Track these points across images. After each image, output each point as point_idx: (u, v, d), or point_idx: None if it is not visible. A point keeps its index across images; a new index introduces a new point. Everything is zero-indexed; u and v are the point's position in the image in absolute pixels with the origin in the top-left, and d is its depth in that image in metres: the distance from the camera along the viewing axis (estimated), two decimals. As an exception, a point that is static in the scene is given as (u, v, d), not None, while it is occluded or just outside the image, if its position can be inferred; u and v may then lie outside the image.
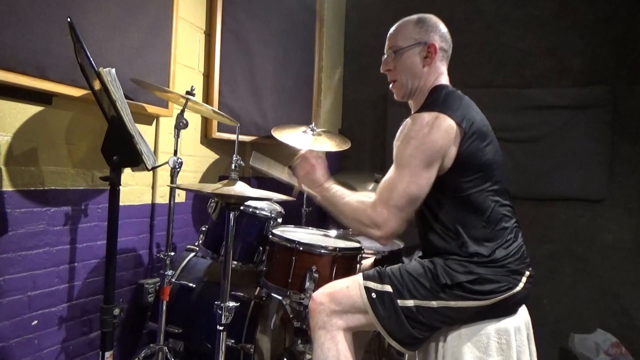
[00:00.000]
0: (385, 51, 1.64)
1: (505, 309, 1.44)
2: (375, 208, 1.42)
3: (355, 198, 1.50)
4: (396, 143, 1.47)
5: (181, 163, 1.97)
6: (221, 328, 1.56)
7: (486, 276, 1.38)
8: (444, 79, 1.60)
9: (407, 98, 1.65)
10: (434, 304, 1.40)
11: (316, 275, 1.71)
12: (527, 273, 1.44)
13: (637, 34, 3.10)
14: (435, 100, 1.49)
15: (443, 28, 1.60)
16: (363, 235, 1.63)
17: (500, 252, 1.41)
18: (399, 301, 1.42)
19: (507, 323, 1.43)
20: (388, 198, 1.40)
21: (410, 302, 1.41)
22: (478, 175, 1.44)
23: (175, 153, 2.01)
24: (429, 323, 1.42)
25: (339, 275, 1.70)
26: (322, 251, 1.76)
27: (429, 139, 1.39)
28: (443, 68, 1.60)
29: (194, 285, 2.17)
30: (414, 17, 1.61)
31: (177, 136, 2.03)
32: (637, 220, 3.08)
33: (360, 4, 3.71)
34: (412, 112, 1.64)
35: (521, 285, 1.41)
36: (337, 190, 1.56)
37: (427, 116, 1.42)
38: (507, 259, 1.41)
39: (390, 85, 1.66)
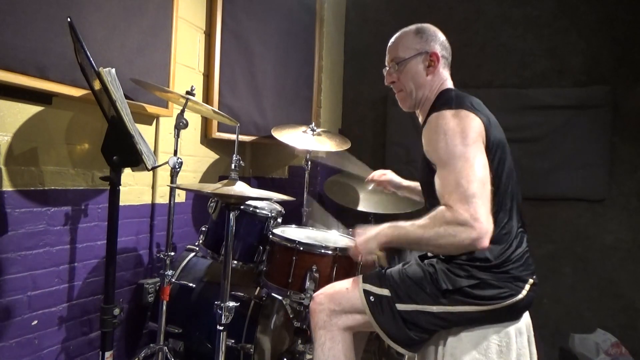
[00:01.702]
0: (386, 64, 1.65)
1: (507, 316, 1.41)
2: (454, 208, 1.25)
3: (424, 218, 1.34)
4: (429, 147, 1.41)
5: (181, 163, 1.97)
6: (221, 328, 1.56)
7: (488, 281, 1.36)
8: (449, 84, 1.60)
9: (415, 108, 1.64)
10: (434, 309, 1.39)
11: (316, 275, 1.71)
12: (531, 281, 1.41)
13: (637, 34, 3.10)
14: (449, 100, 1.46)
15: (442, 36, 1.61)
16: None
17: (504, 256, 1.38)
18: (397, 305, 1.41)
19: (508, 326, 1.41)
20: (462, 192, 1.25)
21: (409, 307, 1.40)
22: (493, 175, 1.39)
23: (175, 153, 2.01)
24: (428, 327, 1.40)
25: (340, 275, 1.70)
26: (323, 251, 1.76)
27: (464, 125, 1.34)
28: (446, 74, 1.60)
29: (194, 285, 2.17)
30: (413, 27, 1.61)
31: (177, 136, 2.03)
32: (637, 220, 3.08)
33: (360, 4, 3.71)
34: (420, 119, 1.63)
35: (524, 292, 1.38)
36: (397, 224, 1.41)
37: (448, 112, 1.38)
38: (510, 264, 1.38)
39: (396, 96, 1.66)
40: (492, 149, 1.39)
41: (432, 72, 1.57)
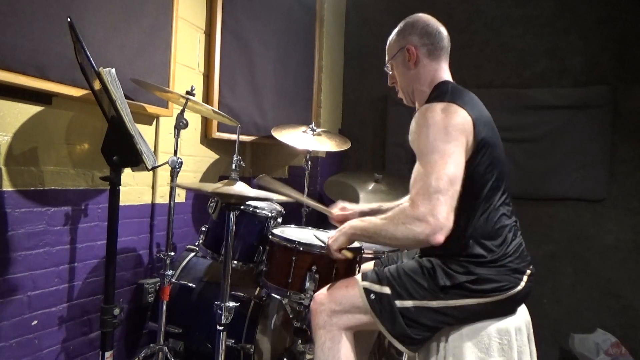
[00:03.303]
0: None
1: (506, 308, 1.43)
2: (415, 203, 1.27)
3: (387, 213, 1.39)
4: (412, 137, 1.42)
5: (181, 163, 1.98)
6: (221, 328, 1.56)
7: (486, 276, 1.37)
8: (445, 74, 1.58)
9: (412, 102, 1.67)
10: (434, 304, 1.39)
11: (316, 275, 1.71)
12: (529, 271, 1.43)
13: (637, 34, 3.10)
14: (443, 93, 1.47)
15: (424, 23, 1.59)
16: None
17: (500, 251, 1.40)
18: (397, 302, 1.42)
19: (508, 323, 1.42)
20: (426, 186, 1.27)
21: (409, 303, 1.41)
22: (484, 172, 1.42)
23: (175, 153, 2.01)
24: (429, 324, 1.41)
25: (339, 275, 1.70)
26: (322, 251, 1.76)
27: (448, 122, 1.34)
28: (436, 64, 1.58)
29: (194, 285, 2.17)
30: (398, 25, 1.64)
31: (177, 136, 2.03)
32: (637, 220, 3.08)
33: (360, 4, 3.71)
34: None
35: (522, 284, 1.40)
36: (364, 218, 1.46)
37: (438, 105, 1.38)
38: (507, 257, 1.40)
39: (398, 95, 1.71)
40: (479, 146, 1.39)
41: (412, 66, 1.57)
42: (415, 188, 1.31)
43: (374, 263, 1.86)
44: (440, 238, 1.26)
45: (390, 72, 1.67)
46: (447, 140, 1.33)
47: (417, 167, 1.36)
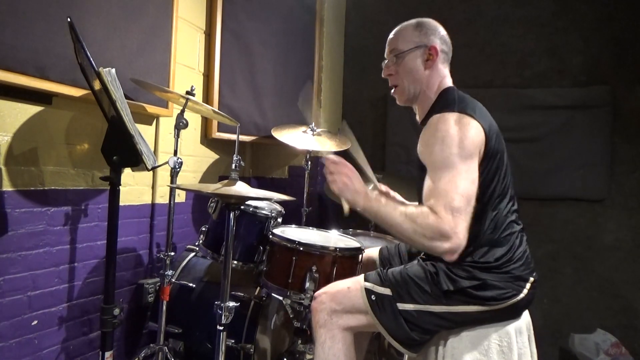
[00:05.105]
0: (385, 56, 1.63)
1: (509, 314, 1.42)
2: (439, 215, 1.26)
3: (410, 208, 1.33)
4: (425, 149, 1.41)
5: (181, 163, 1.98)
6: (221, 328, 1.56)
7: (490, 282, 1.37)
8: (449, 81, 1.59)
9: (410, 102, 1.62)
10: (436, 309, 1.39)
11: (316, 275, 1.71)
12: (532, 279, 1.42)
13: (637, 34, 3.10)
14: (451, 102, 1.44)
15: (442, 31, 1.59)
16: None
17: (506, 257, 1.39)
18: (398, 305, 1.42)
19: (508, 325, 1.42)
20: (448, 202, 1.26)
21: (410, 306, 1.41)
22: (491, 179, 1.41)
23: (175, 153, 2.01)
24: (430, 328, 1.41)
25: (340, 276, 1.70)
26: (323, 251, 1.76)
27: (464, 135, 1.33)
28: (445, 70, 1.59)
29: (194, 285, 2.17)
30: (413, 21, 1.60)
31: (177, 136, 2.03)
32: (637, 220, 3.08)
33: (360, 4, 3.71)
34: (418, 117, 1.62)
35: (525, 291, 1.39)
36: (386, 200, 1.39)
37: (451, 116, 1.37)
38: (511, 264, 1.39)
39: (392, 91, 1.64)
40: (490, 157, 1.40)
41: (430, 66, 1.54)
42: (435, 200, 1.29)
43: (379, 250, 1.87)
44: (455, 256, 1.30)
45: (393, 64, 1.58)
46: (462, 155, 1.32)
47: (431, 180, 1.34)
